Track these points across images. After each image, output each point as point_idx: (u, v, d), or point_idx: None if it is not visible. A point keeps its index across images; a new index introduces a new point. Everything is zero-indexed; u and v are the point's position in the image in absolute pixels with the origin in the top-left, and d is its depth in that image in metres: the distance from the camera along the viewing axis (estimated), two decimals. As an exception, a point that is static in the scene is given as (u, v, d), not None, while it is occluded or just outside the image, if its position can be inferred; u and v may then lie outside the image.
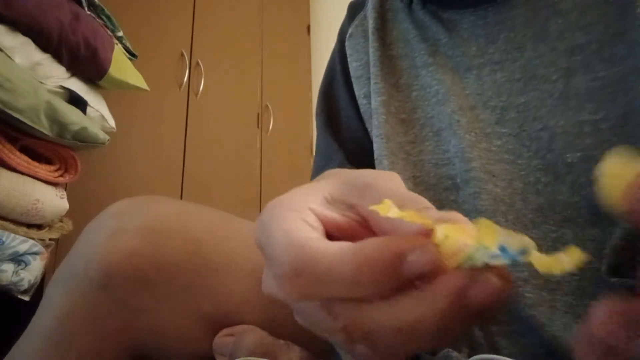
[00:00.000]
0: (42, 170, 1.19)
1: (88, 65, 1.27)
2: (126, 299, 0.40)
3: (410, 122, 0.54)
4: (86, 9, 1.32)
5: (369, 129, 0.57)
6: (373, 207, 0.22)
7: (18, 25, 1.10)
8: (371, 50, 0.57)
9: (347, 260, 0.20)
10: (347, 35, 0.62)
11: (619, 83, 0.41)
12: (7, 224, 1.11)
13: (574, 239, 0.42)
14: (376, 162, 0.52)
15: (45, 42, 1.16)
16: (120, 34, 1.47)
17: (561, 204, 0.43)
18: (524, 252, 0.19)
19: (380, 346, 0.20)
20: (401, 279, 0.19)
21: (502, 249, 0.19)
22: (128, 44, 1.50)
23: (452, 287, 0.19)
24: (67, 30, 1.19)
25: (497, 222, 0.20)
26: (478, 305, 0.19)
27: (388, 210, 0.21)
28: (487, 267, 0.19)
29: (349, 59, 0.61)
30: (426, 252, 0.19)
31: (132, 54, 1.51)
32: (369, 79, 0.58)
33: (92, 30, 1.27)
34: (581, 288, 0.40)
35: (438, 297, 0.19)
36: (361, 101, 0.58)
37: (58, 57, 1.20)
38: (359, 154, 0.58)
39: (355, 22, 0.62)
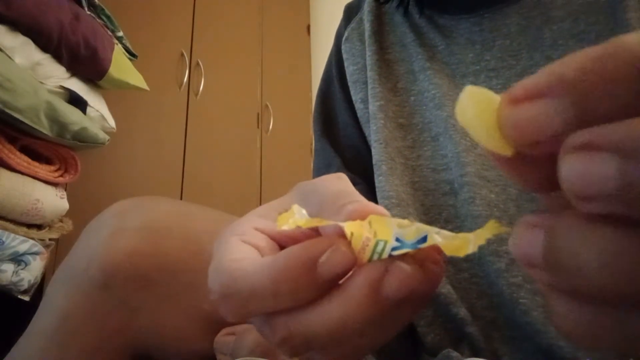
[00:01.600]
0: (42, 170, 1.19)
1: (88, 65, 1.27)
2: (127, 299, 0.40)
3: (409, 127, 0.54)
4: (86, 9, 1.32)
5: (366, 134, 0.57)
6: (278, 220, 0.22)
7: (18, 25, 1.10)
8: (368, 53, 0.57)
9: (265, 276, 0.20)
10: (343, 39, 0.62)
11: None
12: (7, 224, 1.11)
13: None
14: (375, 167, 0.52)
15: (45, 42, 1.16)
16: (120, 34, 1.47)
17: None
18: (423, 239, 0.19)
19: (324, 351, 0.21)
20: (322, 281, 0.19)
21: (399, 241, 0.19)
22: (128, 44, 1.50)
23: (365, 279, 0.19)
24: (67, 30, 1.19)
25: None
26: (394, 294, 0.19)
27: (286, 221, 0.21)
28: (402, 256, 0.19)
29: (345, 63, 0.61)
30: (336, 252, 0.19)
31: (132, 54, 1.51)
32: (365, 83, 0.57)
33: (92, 30, 1.27)
34: None
35: (354, 292, 0.19)
36: (358, 106, 0.58)
37: (58, 57, 1.20)
38: (357, 161, 0.58)
39: (352, 25, 0.62)
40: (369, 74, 0.56)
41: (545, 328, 0.39)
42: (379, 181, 0.51)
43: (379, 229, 0.20)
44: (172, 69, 1.99)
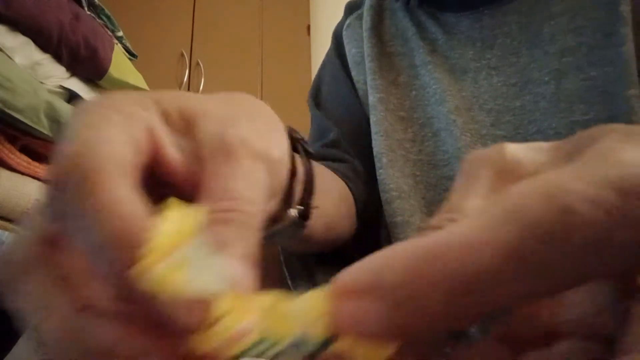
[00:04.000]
0: (42, 170, 1.19)
1: (88, 65, 1.27)
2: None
3: (410, 120, 0.54)
4: (86, 9, 1.32)
5: (366, 111, 0.57)
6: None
7: (18, 25, 1.10)
8: (368, 45, 0.57)
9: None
10: (345, 26, 0.62)
11: (608, 85, 0.42)
12: (7, 224, 1.11)
13: None
14: (375, 160, 0.53)
15: (45, 42, 1.16)
16: (120, 34, 1.47)
17: None
18: (328, 341, 0.13)
19: None
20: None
21: (303, 338, 0.13)
22: (128, 44, 1.50)
23: None
24: (67, 30, 1.19)
25: None
26: None
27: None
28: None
29: (347, 47, 0.61)
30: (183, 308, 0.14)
31: (132, 54, 1.51)
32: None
33: (92, 30, 1.27)
34: None
35: None
36: (360, 86, 0.58)
37: (58, 57, 1.20)
38: (355, 134, 0.56)
39: (353, 15, 0.62)
40: (369, 65, 0.56)
41: None
42: (380, 174, 0.51)
43: (277, 322, 0.14)
44: (172, 69, 1.99)
